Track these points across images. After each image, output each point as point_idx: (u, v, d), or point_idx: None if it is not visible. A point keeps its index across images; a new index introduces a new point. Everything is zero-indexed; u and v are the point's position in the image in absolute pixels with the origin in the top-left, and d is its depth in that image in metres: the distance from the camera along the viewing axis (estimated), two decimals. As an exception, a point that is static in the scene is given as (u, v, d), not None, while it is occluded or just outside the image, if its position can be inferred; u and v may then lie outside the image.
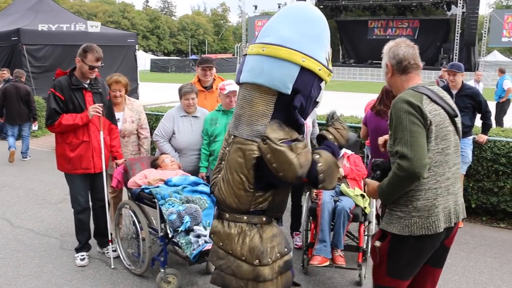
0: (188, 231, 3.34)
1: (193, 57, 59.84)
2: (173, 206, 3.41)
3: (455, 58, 29.32)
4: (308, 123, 4.38)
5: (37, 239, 4.74)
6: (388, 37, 34.10)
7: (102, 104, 3.88)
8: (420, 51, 2.45)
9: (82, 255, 4.17)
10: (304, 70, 2.26)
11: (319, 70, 2.29)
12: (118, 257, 4.19)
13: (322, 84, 2.37)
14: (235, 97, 4.14)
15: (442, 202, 2.28)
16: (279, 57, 2.24)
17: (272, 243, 2.37)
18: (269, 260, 2.33)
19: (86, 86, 3.90)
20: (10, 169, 7.80)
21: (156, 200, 3.50)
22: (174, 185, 3.64)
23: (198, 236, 3.30)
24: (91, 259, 4.24)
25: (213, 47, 75.02)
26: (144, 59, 46.19)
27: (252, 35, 41.63)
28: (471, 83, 10.96)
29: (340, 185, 3.94)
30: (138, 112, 4.56)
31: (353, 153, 4.28)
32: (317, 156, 2.33)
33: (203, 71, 4.89)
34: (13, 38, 11.36)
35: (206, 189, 3.69)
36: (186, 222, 3.33)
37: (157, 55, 62.46)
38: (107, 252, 4.27)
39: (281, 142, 2.21)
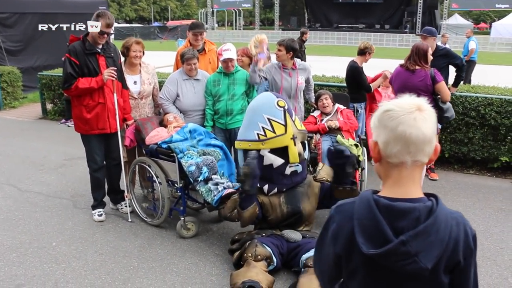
0: (206, 180, 3.71)
1: (156, 24, 58.30)
2: (191, 159, 3.75)
3: (418, 21, 30.11)
4: (300, 80, 4.68)
5: (49, 200, 4.98)
6: (353, 0, 34.47)
7: (115, 68, 4.09)
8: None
9: (99, 211, 4.47)
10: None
11: (249, 146, 3.50)
12: (132, 212, 4.52)
13: (263, 152, 3.48)
14: (232, 62, 4.45)
15: None
16: None
17: None
18: None
19: (99, 50, 4.08)
20: (-3, 139, 7.82)
21: (175, 154, 3.82)
22: (190, 131, 3.97)
23: (217, 184, 3.67)
24: (107, 215, 4.54)
25: (176, 13, 73.09)
26: (106, 27, 44.66)
27: None
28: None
29: (336, 136, 4.37)
30: (153, 75, 4.76)
31: (345, 107, 4.69)
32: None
33: (195, 36, 5.06)
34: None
35: (218, 142, 4.04)
36: (204, 172, 3.68)
37: (119, 23, 60.47)
38: (121, 208, 4.58)
39: None
